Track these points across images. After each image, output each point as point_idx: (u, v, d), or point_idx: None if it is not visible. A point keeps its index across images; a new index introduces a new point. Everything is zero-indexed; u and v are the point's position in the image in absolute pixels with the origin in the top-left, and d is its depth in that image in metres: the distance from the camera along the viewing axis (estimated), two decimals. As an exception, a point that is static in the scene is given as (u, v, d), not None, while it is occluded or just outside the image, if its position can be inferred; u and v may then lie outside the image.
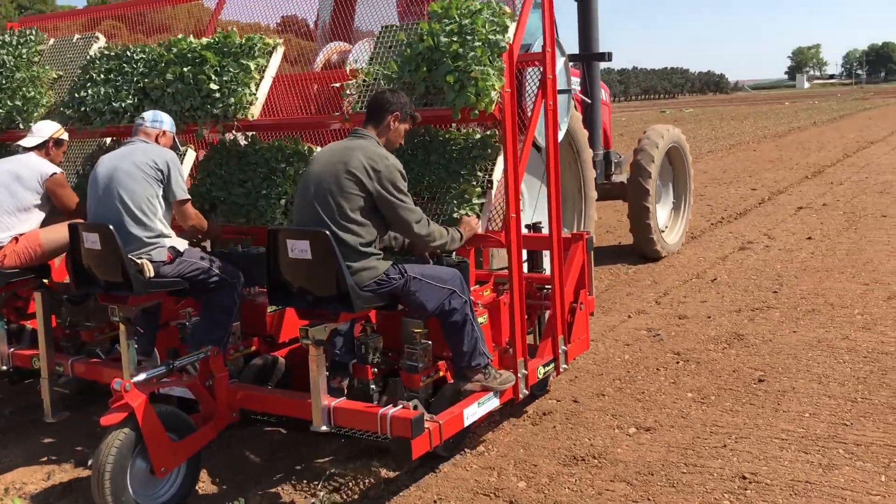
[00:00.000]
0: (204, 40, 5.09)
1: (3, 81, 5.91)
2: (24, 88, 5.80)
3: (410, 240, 4.05)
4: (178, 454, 3.85)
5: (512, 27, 4.24)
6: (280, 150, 4.89)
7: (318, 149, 4.58)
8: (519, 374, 4.34)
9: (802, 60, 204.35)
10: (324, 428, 3.72)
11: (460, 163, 4.43)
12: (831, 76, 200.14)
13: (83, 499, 4.11)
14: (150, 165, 4.23)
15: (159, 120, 4.52)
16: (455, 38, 4.12)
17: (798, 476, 3.95)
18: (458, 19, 4.19)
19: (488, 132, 4.52)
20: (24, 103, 5.76)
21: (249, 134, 5.17)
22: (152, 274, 4.05)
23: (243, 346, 4.54)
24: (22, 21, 7.40)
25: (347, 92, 4.50)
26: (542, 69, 4.53)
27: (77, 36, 6.22)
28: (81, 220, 4.51)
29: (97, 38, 5.93)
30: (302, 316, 3.89)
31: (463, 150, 4.47)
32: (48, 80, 5.92)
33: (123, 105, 5.14)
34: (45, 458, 4.66)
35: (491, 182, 4.37)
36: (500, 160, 4.32)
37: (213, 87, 4.82)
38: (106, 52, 5.52)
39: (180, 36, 5.16)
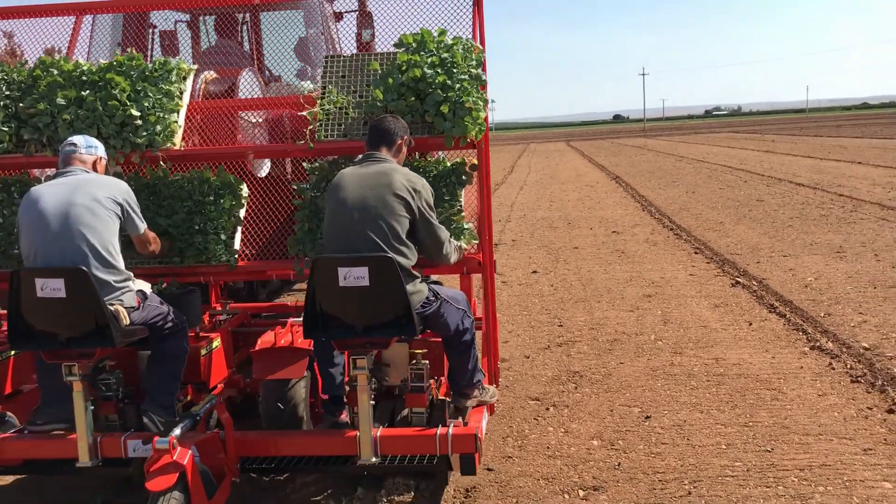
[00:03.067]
0: (102, 62, 4.53)
1: None
2: None
3: (436, 257, 3.99)
4: None
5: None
6: (205, 182, 4.40)
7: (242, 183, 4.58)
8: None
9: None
10: (374, 459, 3.63)
11: (437, 188, 4.35)
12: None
13: None
14: (111, 199, 3.77)
15: (93, 145, 4.00)
16: (439, 70, 4.22)
17: (787, 513, 3.81)
18: (436, 52, 4.30)
19: (458, 160, 4.54)
20: None
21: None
22: (128, 321, 3.66)
23: (182, 395, 4.23)
24: None
25: (315, 119, 4.39)
26: None
27: None
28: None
29: None
30: (342, 347, 3.75)
31: (438, 177, 4.39)
32: None
33: None
34: None
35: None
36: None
37: (135, 112, 4.27)
38: None
39: (59, 57, 4.56)
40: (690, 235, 12.62)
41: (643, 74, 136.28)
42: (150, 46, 5.67)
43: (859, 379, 5.52)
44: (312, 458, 3.96)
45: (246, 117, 4.95)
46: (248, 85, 5.01)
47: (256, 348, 4.25)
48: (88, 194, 3.71)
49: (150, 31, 5.75)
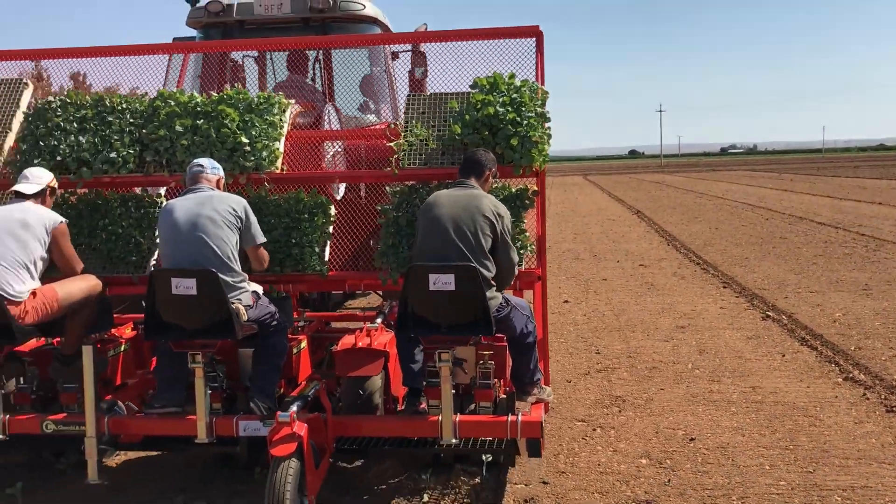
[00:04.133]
0: (214, 95, 5.08)
1: None
2: None
3: (505, 276, 4.45)
4: (316, 484, 4.06)
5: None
6: (300, 202, 4.93)
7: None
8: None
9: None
10: (454, 441, 4.16)
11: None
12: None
13: None
14: (231, 213, 4.29)
15: (217, 167, 4.57)
16: (509, 108, 4.78)
17: (832, 528, 4.05)
18: (507, 93, 4.87)
19: (522, 186, 5.01)
20: None
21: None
22: (247, 318, 4.15)
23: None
24: None
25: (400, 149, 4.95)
26: None
27: None
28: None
29: (26, 84, 5.44)
30: (428, 343, 4.32)
31: (504, 200, 4.76)
32: None
33: (122, 155, 4.90)
34: None
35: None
36: None
37: (244, 140, 4.80)
38: (69, 101, 5.14)
39: (176, 90, 5.17)
40: (717, 270, 12.86)
41: (660, 111, 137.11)
42: (228, 79, 6.12)
43: (894, 409, 5.76)
44: (395, 441, 4.50)
45: (334, 146, 5.37)
46: (331, 118, 5.46)
47: (338, 348, 4.72)
48: (213, 208, 4.27)
49: (230, 64, 6.20)
